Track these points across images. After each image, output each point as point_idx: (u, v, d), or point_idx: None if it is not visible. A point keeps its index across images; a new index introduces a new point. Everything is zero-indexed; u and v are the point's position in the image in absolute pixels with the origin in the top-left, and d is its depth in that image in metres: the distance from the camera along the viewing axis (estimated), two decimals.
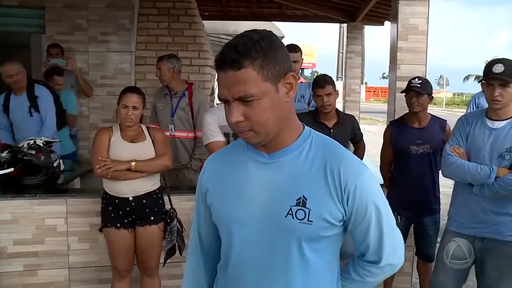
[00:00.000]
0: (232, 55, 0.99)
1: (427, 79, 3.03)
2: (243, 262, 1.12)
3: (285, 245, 1.08)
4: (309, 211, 1.06)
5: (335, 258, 1.16)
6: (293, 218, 1.06)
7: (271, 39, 1.03)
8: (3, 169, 2.98)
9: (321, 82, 2.97)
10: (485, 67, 2.33)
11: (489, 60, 2.56)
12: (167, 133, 3.62)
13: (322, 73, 3.28)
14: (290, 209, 1.06)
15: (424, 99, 2.91)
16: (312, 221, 1.06)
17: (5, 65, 3.54)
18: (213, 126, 2.61)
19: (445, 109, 30.13)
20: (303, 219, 1.06)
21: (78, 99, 4.68)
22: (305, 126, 1.15)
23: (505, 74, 2.22)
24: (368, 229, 1.11)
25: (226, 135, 2.63)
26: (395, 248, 1.17)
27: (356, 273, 1.19)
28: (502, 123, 2.31)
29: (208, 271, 1.29)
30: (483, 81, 2.35)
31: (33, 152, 3.06)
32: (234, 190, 1.13)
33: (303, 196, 1.06)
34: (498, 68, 2.24)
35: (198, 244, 1.29)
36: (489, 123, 2.35)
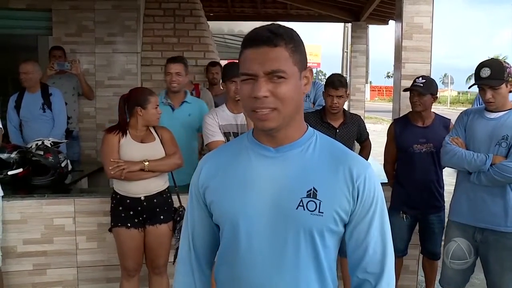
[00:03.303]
0: (267, 34, 1.03)
1: (432, 79, 3.03)
2: (251, 256, 1.11)
3: (295, 237, 1.08)
4: (320, 203, 1.06)
5: (335, 259, 1.16)
6: (304, 209, 1.06)
7: (299, 36, 1.09)
8: (12, 169, 3.03)
9: (336, 83, 2.95)
10: (475, 72, 2.42)
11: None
12: None
13: (332, 73, 3.27)
14: (301, 200, 1.07)
15: (426, 99, 2.90)
16: (323, 213, 1.06)
17: (21, 64, 3.74)
18: (213, 126, 2.64)
19: (450, 107, 29.99)
20: (314, 210, 1.06)
21: (79, 100, 4.75)
22: (308, 126, 1.17)
23: (492, 78, 2.32)
24: (370, 225, 1.11)
25: (226, 134, 2.66)
26: (392, 261, 1.14)
27: None
28: (500, 113, 2.41)
29: (201, 280, 1.26)
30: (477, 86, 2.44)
31: (42, 152, 3.10)
32: (240, 184, 1.12)
33: (314, 188, 1.07)
34: (485, 72, 2.34)
35: (191, 250, 1.25)
36: (487, 114, 2.45)
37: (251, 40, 1.05)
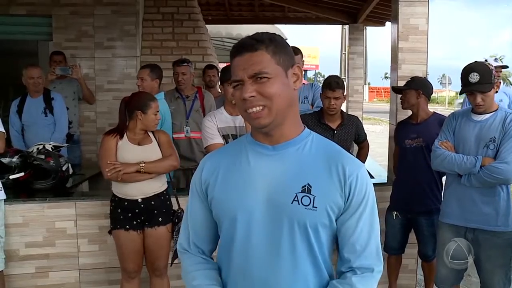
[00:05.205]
0: (249, 41, 1.13)
1: (421, 78, 3.10)
2: (249, 250, 1.15)
3: (290, 231, 1.12)
4: (314, 198, 1.12)
5: (330, 254, 1.20)
6: (298, 204, 1.12)
7: (282, 38, 1.17)
8: (14, 173, 3.06)
9: (333, 85, 3.00)
10: (462, 76, 2.44)
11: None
12: (182, 135, 3.75)
13: (330, 74, 3.31)
14: (296, 195, 1.12)
15: (409, 96, 2.97)
16: (316, 207, 1.12)
17: (28, 68, 3.80)
18: (212, 129, 2.67)
19: (447, 107, 29.96)
20: (308, 205, 1.12)
21: (80, 105, 4.80)
22: (305, 127, 1.23)
23: (482, 82, 2.35)
24: (358, 221, 1.15)
25: (225, 137, 2.69)
26: (379, 251, 1.19)
27: None
28: (487, 116, 2.44)
29: (208, 267, 1.25)
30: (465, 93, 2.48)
31: (43, 156, 3.13)
32: (239, 181, 1.17)
33: (308, 184, 1.13)
34: (474, 78, 2.35)
35: (191, 244, 1.28)
36: (474, 116, 2.49)
37: (236, 48, 1.14)
